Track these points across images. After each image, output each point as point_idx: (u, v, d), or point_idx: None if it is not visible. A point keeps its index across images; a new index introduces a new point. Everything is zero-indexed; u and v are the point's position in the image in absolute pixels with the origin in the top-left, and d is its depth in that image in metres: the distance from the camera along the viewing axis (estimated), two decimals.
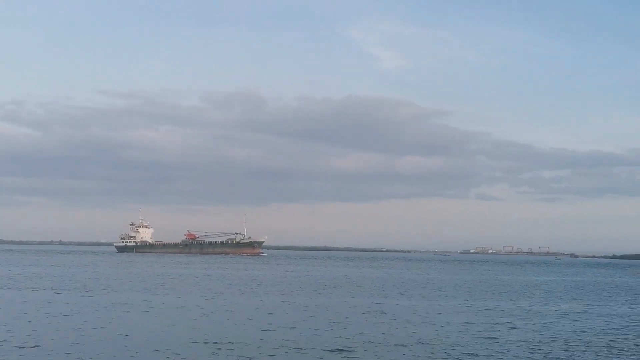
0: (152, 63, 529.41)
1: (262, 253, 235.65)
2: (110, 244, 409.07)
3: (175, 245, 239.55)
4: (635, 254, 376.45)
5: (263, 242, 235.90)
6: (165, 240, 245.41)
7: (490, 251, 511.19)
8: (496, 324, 39.59)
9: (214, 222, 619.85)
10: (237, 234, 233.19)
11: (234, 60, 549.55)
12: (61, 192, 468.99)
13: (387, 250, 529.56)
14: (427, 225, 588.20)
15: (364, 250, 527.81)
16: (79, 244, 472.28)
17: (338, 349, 28.66)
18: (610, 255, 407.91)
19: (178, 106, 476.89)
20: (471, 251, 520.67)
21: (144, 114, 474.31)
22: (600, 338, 34.49)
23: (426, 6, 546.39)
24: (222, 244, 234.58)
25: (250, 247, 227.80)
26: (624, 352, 30.17)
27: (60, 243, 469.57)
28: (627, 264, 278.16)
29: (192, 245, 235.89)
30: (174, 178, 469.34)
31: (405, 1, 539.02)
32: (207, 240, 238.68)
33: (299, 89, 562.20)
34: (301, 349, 28.58)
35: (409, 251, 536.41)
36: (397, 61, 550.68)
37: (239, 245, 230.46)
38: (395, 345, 30.12)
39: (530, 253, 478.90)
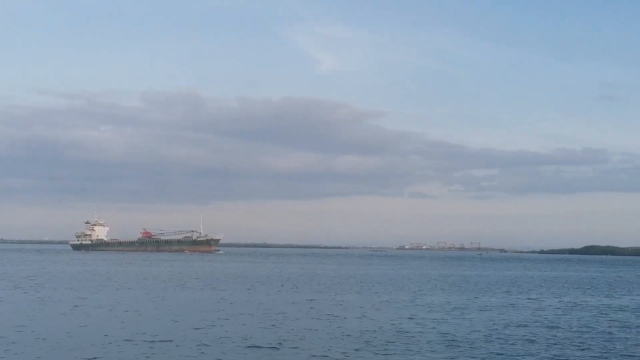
0: (93, 63, 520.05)
1: (218, 251, 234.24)
2: (51, 242, 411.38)
3: (131, 243, 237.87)
4: (561, 249, 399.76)
5: (219, 239, 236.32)
6: (121, 239, 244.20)
7: (424, 247, 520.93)
8: (413, 317, 39.79)
9: (159, 220, 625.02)
10: (193, 231, 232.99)
11: (174, 61, 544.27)
12: (1, 191, 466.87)
13: (326, 247, 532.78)
14: (365, 222, 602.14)
15: (305, 247, 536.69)
16: (20, 242, 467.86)
17: (261, 346, 28.46)
18: (538, 250, 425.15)
19: (119, 106, 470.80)
20: (406, 247, 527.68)
21: (85, 114, 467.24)
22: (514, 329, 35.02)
23: (362, 10, 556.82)
24: (179, 241, 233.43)
25: (207, 245, 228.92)
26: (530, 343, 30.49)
27: (2, 241, 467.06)
28: (554, 258, 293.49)
29: (149, 243, 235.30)
30: (116, 177, 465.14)
31: (343, 5, 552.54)
32: (163, 238, 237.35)
33: (239, 89, 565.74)
34: (222, 345, 28.28)
35: (346, 247, 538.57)
36: (333, 63, 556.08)
37: (195, 243, 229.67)
38: (319, 338, 30.38)
39: (462, 249, 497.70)
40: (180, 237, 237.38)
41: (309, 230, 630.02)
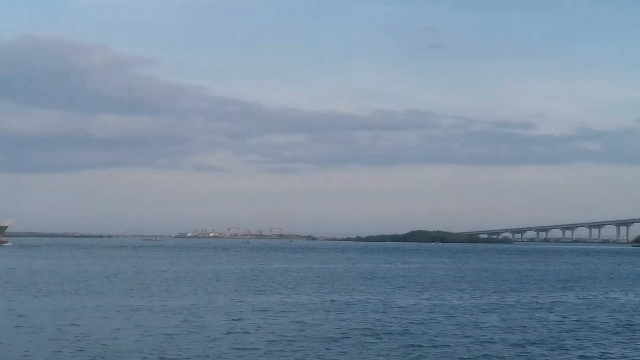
0: None
1: (6, 242, 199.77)
2: None
3: None
4: (381, 236, 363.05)
5: (7, 227, 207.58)
6: None
7: (212, 234, 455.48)
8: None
9: None
10: None
11: None
12: None
13: (82, 236, 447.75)
14: (134, 202, 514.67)
15: (50, 235, 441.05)
16: None
17: None
18: (354, 237, 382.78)
19: None
20: (188, 235, 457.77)
21: None
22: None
23: None
24: None
25: None
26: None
27: None
28: (356, 247, 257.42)
29: None
30: None
31: None
32: None
33: None
34: None
35: (109, 236, 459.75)
36: None
37: None
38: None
39: (261, 236, 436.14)
40: None
41: (58, 214, 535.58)
